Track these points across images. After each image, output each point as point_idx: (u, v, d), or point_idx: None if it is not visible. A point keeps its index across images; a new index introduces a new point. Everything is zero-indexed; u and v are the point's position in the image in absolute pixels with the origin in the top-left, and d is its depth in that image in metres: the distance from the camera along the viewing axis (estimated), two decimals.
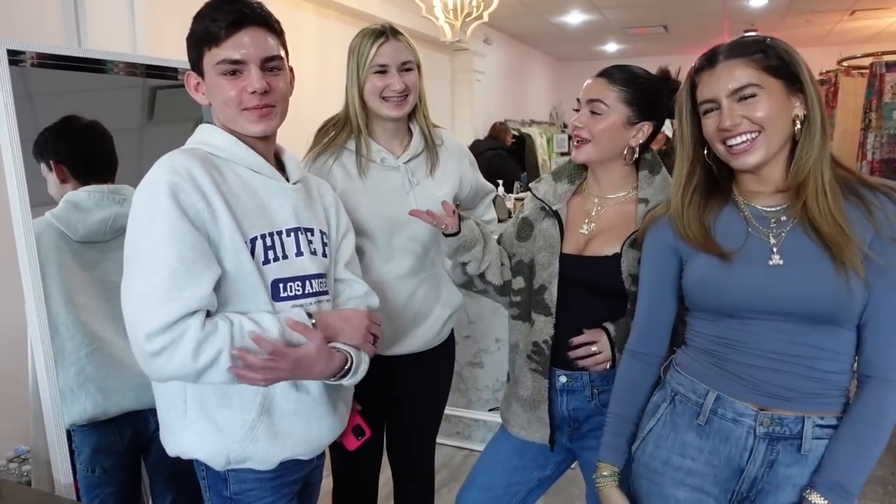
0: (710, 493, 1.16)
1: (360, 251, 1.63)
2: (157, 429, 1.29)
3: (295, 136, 1.76)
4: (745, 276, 1.12)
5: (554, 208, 1.46)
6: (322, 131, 1.68)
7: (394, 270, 1.65)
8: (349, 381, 1.26)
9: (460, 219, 1.46)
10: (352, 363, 1.24)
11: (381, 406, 1.80)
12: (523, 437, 1.50)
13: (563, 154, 7.29)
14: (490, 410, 3.07)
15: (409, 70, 1.60)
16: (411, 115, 1.68)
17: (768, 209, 1.15)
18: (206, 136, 1.23)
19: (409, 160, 1.66)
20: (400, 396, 1.80)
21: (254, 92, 1.17)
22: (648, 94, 1.40)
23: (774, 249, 1.11)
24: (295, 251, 1.24)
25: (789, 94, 1.11)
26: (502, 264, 1.55)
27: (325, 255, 1.30)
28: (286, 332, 1.16)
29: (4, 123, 1.37)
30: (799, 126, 1.12)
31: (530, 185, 1.56)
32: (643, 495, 1.24)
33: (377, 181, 1.63)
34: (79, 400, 1.47)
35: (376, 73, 1.57)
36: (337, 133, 1.64)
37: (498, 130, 6.23)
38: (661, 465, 1.20)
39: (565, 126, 8.99)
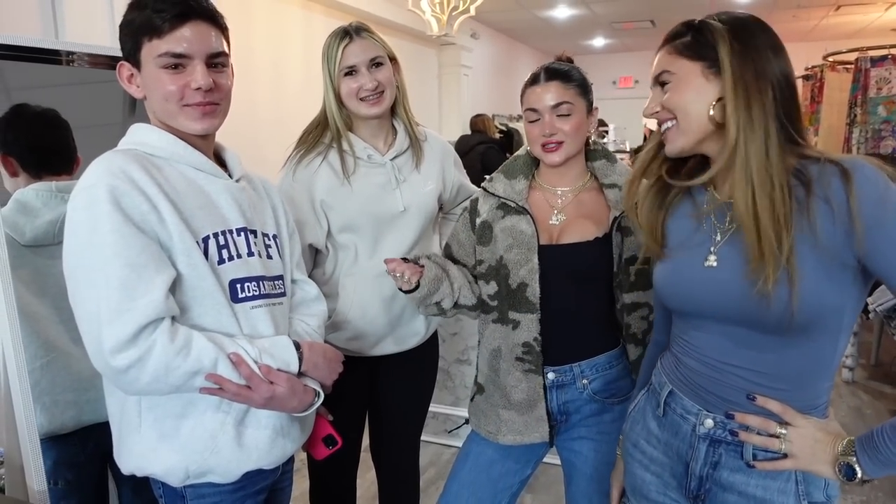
0: (669, 483, 1.15)
1: (346, 247, 1.63)
2: None
3: (281, 131, 1.73)
4: (680, 277, 1.08)
5: (521, 204, 1.45)
6: (304, 136, 1.65)
7: (379, 266, 1.63)
8: (305, 414, 1.23)
9: (416, 264, 1.43)
10: (318, 398, 1.22)
11: (362, 407, 1.78)
12: (519, 442, 1.46)
13: None
14: None
15: (379, 65, 1.57)
16: (393, 112, 1.66)
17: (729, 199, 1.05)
18: (143, 136, 1.16)
19: (394, 157, 1.65)
20: (383, 397, 1.78)
21: (198, 89, 1.12)
22: (585, 81, 1.44)
23: (713, 249, 1.04)
24: (247, 251, 1.19)
25: (705, 76, 1.01)
26: (469, 281, 1.52)
27: (269, 256, 1.25)
28: (262, 357, 1.12)
29: None
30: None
31: (483, 185, 1.53)
32: (625, 469, 1.27)
33: (364, 178, 1.61)
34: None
35: (346, 75, 1.56)
36: (320, 134, 1.62)
37: (477, 123, 6.08)
38: (631, 447, 1.22)
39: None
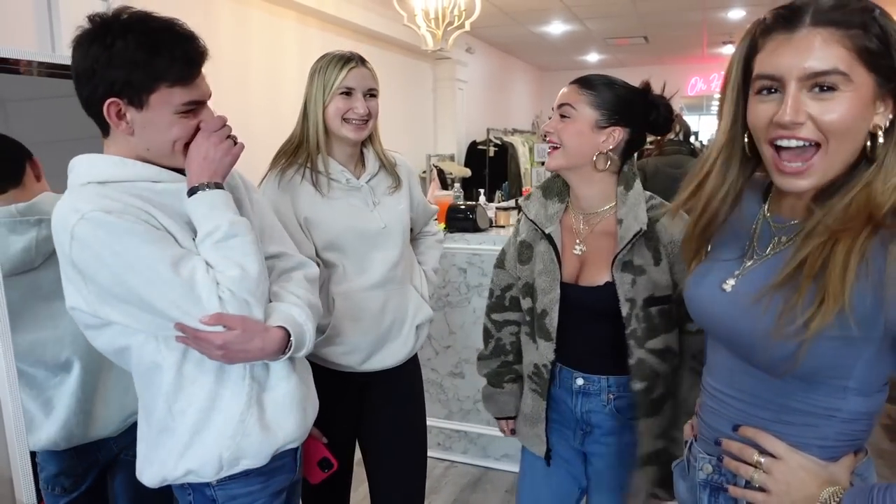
0: None
1: (332, 264, 1.65)
2: (119, 453, 1.22)
3: (276, 144, 1.74)
4: (697, 294, 0.97)
5: (547, 231, 1.43)
6: (278, 156, 1.68)
7: (366, 281, 1.66)
8: (300, 354, 1.21)
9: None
10: (290, 338, 1.16)
11: (353, 426, 1.77)
12: (528, 447, 1.55)
13: (543, 163, 7.31)
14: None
15: (373, 97, 1.65)
16: (364, 140, 1.71)
17: (782, 222, 0.91)
18: (125, 169, 1.12)
19: (368, 180, 1.70)
20: (377, 416, 1.78)
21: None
22: (619, 100, 1.35)
23: (736, 273, 0.91)
24: None
25: (877, 95, 0.79)
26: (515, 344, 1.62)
27: None
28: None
29: None
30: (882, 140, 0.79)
31: (521, 203, 1.52)
32: None
33: (343, 199, 1.65)
34: None
35: (342, 94, 1.60)
36: (294, 153, 1.65)
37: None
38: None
39: (545, 136, 9.01)
